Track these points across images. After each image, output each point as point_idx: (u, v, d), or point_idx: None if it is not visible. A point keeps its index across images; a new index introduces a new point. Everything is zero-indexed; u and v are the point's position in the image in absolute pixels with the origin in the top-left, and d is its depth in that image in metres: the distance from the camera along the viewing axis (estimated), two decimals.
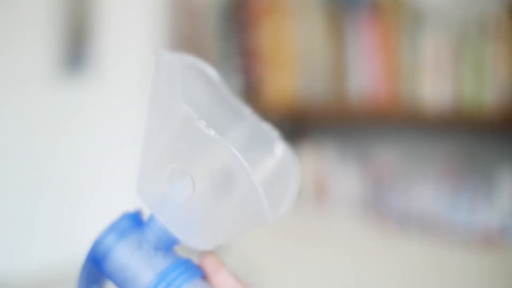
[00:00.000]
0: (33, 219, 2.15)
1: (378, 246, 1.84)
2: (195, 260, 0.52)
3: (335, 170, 2.12)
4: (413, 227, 1.89)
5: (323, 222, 2.07)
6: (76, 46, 2.32)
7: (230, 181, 0.47)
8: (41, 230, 2.16)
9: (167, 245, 0.51)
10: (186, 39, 2.45)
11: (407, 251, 1.77)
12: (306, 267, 1.73)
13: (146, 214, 0.53)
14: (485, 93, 1.73)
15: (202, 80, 0.56)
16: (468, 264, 1.63)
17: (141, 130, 0.54)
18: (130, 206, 0.55)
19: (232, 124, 0.57)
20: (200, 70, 0.56)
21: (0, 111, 2.25)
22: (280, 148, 0.57)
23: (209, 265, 0.51)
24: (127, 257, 0.50)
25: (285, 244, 1.87)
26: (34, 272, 2.06)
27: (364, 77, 1.96)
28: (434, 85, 1.80)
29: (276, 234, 1.84)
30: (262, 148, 0.56)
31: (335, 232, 1.98)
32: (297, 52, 2.15)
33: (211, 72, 0.56)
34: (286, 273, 1.69)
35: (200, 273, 0.50)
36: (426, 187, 1.90)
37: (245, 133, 0.57)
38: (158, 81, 0.51)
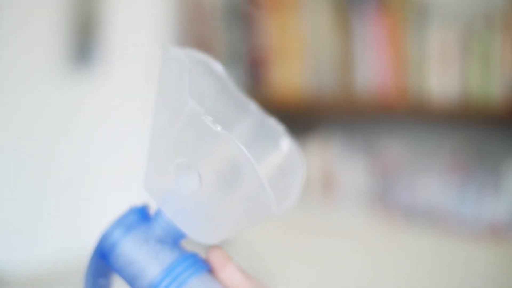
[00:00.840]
0: (39, 215, 2.16)
1: (385, 239, 1.84)
2: (202, 254, 0.52)
3: (342, 163, 2.13)
4: (420, 220, 1.89)
5: (330, 215, 2.07)
6: (83, 41, 2.32)
7: (236, 176, 0.47)
8: (46, 225, 2.17)
9: (174, 239, 0.51)
10: (193, 33, 2.45)
11: (414, 244, 1.77)
12: (313, 260, 1.73)
13: (153, 208, 0.53)
14: (491, 86, 1.72)
15: (209, 75, 0.56)
16: (475, 256, 1.63)
17: (148, 125, 0.54)
18: (136, 201, 0.55)
19: (238, 119, 0.57)
20: (207, 65, 0.56)
21: (8, 106, 2.26)
22: (285, 142, 0.57)
23: (215, 259, 0.51)
24: (134, 251, 0.50)
25: (292, 238, 1.88)
26: (37, 268, 2.08)
27: (371, 70, 1.96)
28: (441, 78, 1.80)
29: (283, 227, 1.84)
30: (268, 142, 0.57)
31: (342, 225, 1.98)
32: (305, 46, 2.15)
33: (218, 67, 0.57)
34: (293, 267, 1.69)
35: (206, 267, 0.51)
36: (433, 179, 1.90)
37: (251, 128, 0.58)
38: (165, 76, 0.52)
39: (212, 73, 0.56)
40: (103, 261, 0.52)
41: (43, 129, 2.25)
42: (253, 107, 0.58)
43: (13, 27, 2.26)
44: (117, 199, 2.21)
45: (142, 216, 0.52)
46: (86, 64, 2.30)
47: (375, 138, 2.14)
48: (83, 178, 2.28)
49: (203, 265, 0.50)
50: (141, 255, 0.50)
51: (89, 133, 2.32)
